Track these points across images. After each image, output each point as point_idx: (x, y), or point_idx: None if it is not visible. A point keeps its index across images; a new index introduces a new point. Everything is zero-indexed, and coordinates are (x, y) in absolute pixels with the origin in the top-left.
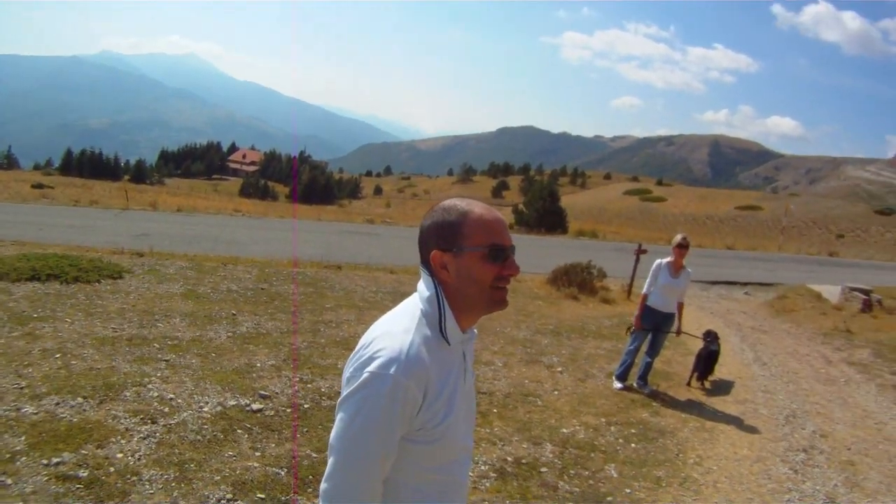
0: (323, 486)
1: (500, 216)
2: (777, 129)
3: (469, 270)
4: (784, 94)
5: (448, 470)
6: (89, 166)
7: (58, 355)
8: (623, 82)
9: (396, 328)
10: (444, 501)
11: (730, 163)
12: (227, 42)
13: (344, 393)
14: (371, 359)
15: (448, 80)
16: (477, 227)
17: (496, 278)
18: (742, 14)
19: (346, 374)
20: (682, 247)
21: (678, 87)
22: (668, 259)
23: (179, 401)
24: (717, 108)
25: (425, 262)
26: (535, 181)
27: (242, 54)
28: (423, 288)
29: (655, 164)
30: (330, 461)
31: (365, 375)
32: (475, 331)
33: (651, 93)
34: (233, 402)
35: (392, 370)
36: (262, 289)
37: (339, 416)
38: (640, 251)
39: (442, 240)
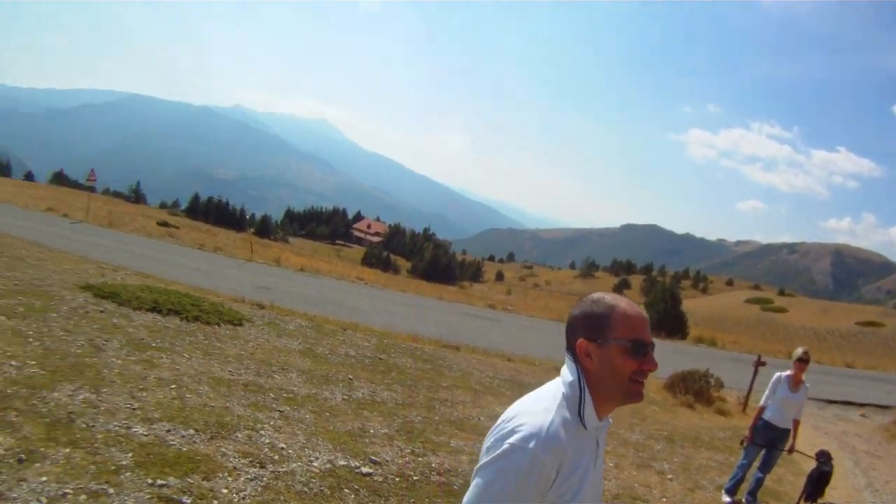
0: None
1: (643, 314)
2: None
3: (611, 361)
4: None
5: None
6: (215, 213)
7: (173, 386)
8: (747, 184)
9: (538, 406)
10: None
11: (852, 274)
12: (357, 111)
13: (482, 461)
14: (512, 432)
15: (575, 171)
16: (622, 321)
17: (635, 372)
18: (864, 115)
19: (487, 443)
20: (803, 361)
21: (802, 192)
22: (788, 372)
23: (290, 451)
24: (840, 216)
25: (571, 349)
26: (657, 282)
27: (370, 125)
28: (567, 373)
29: (778, 272)
30: None
31: (505, 446)
32: (610, 420)
33: (775, 196)
34: (343, 462)
35: (531, 444)
36: (380, 358)
37: (475, 482)
38: (759, 363)
39: (589, 330)
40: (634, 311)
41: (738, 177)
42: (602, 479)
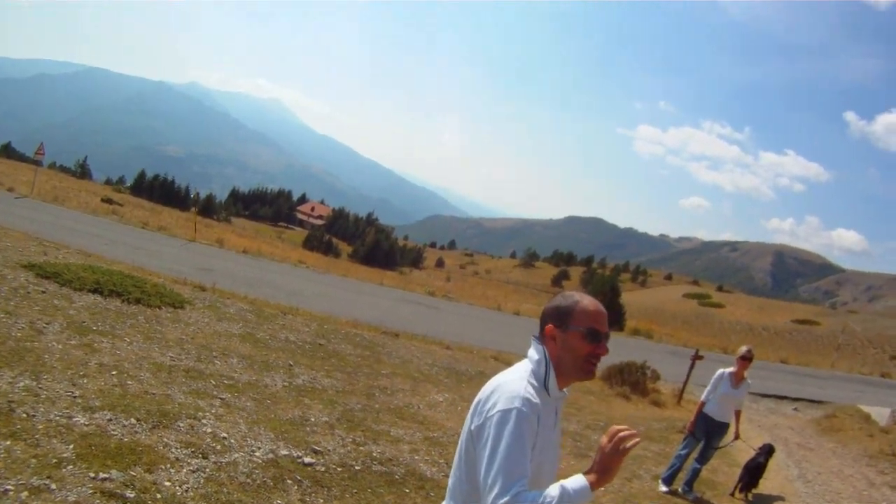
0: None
1: (602, 310)
2: (841, 243)
3: (571, 344)
4: (851, 206)
5: None
6: (160, 191)
7: (114, 372)
8: (692, 182)
9: (512, 377)
10: None
11: (791, 274)
12: (311, 95)
13: (483, 440)
14: (496, 404)
15: (522, 161)
16: (583, 313)
17: (589, 354)
18: (815, 121)
19: (476, 423)
20: (746, 359)
21: (747, 192)
22: (731, 369)
23: (232, 441)
24: (783, 217)
25: (540, 334)
26: (597, 274)
27: (324, 109)
28: (533, 353)
29: (718, 269)
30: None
31: (497, 415)
32: (566, 392)
33: (720, 195)
34: (285, 452)
35: (516, 404)
36: (321, 344)
37: (487, 452)
38: (697, 357)
39: (556, 318)
40: (595, 306)
41: (683, 174)
42: (560, 444)
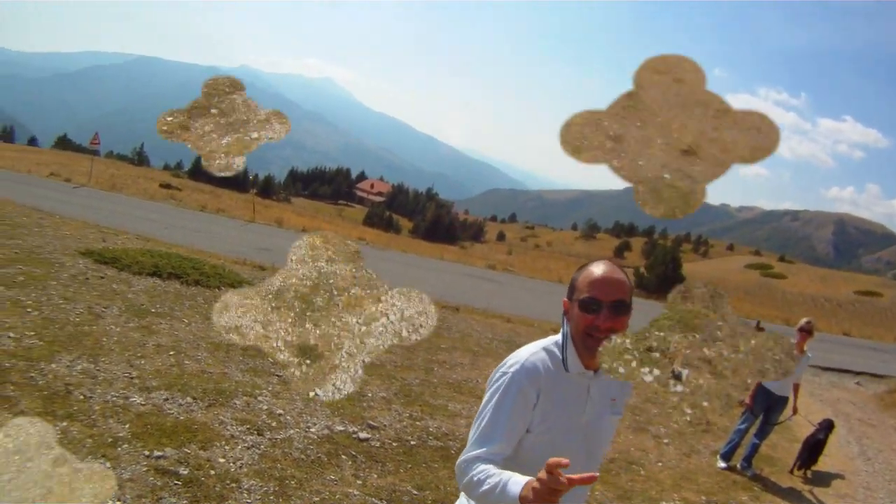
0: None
1: (612, 276)
2: None
3: (574, 316)
4: None
5: None
6: (219, 175)
7: (171, 353)
8: None
9: (531, 346)
10: None
11: (853, 244)
12: (363, 72)
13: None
14: (503, 364)
15: None
16: (584, 282)
17: (588, 327)
18: (873, 86)
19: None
20: (806, 331)
21: (806, 159)
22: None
23: (288, 417)
24: (843, 185)
25: None
26: (658, 245)
27: (378, 85)
28: (563, 324)
29: (779, 238)
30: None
31: (498, 374)
32: (602, 373)
33: (778, 163)
34: (340, 428)
35: (513, 369)
36: None
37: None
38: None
39: (568, 289)
40: (601, 272)
41: None
42: (600, 431)
